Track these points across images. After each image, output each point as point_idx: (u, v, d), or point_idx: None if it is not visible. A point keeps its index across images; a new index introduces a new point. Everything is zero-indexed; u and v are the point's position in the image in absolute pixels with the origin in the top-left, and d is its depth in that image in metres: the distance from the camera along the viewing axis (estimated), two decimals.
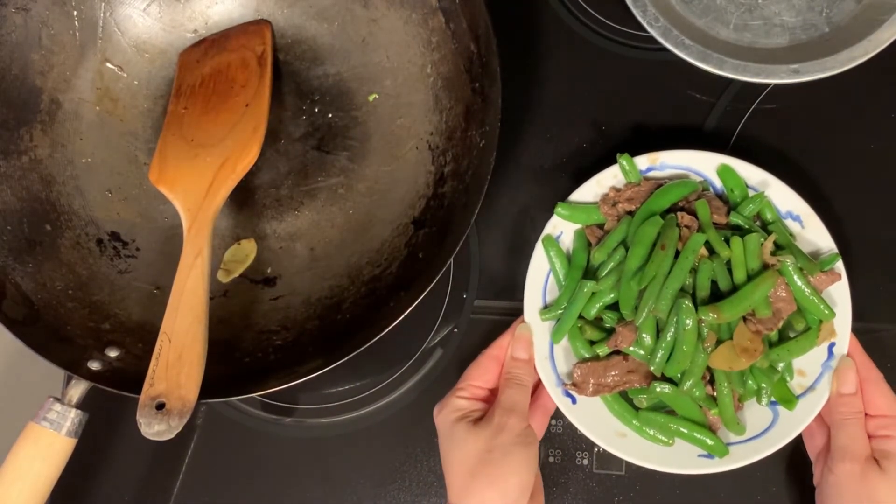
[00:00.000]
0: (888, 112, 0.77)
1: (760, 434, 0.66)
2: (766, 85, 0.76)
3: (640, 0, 0.73)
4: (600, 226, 0.71)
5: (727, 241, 0.66)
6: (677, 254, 0.65)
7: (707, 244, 0.66)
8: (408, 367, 0.77)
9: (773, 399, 0.66)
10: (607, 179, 0.71)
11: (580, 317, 0.68)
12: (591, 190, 0.71)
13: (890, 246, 0.75)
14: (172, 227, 0.77)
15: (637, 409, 0.68)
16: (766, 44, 0.76)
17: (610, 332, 0.67)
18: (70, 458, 0.65)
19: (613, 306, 0.67)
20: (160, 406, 0.60)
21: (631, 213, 0.69)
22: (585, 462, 0.72)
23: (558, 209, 0.70)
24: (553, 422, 0.73)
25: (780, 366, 0.67)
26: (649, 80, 0.79)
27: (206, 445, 0.76)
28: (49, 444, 0.64)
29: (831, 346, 0.67)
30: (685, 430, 0.66)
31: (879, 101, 0.77)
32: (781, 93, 0.77)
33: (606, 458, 0.72)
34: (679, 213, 0.67)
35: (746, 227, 0.67)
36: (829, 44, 0.73)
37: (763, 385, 0.66)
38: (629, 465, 0.72)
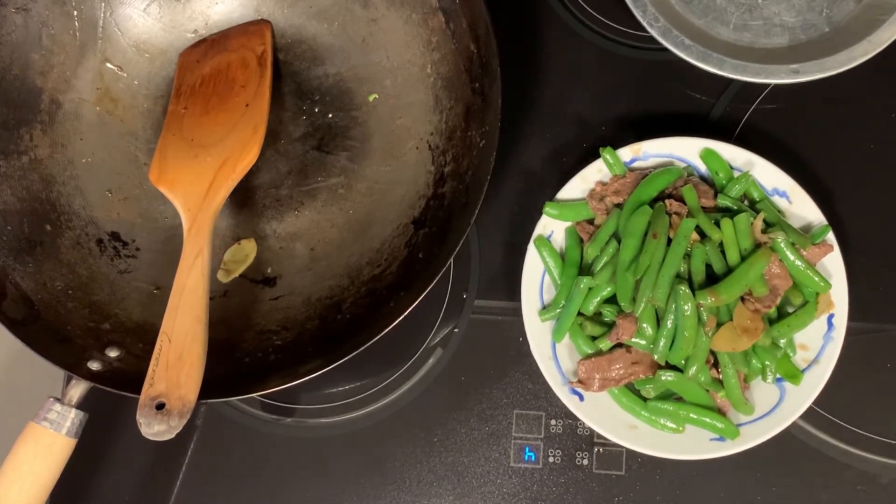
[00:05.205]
0: (888, 112, 0.77)
1: (769, 412, 0.67)
2: (766, 85, 0.76)
3: (640, 0, 0.73)
4: (590, 221, 0.71)
5: (717, 224, 0.67)
6: (669, 241, 0.66)
7: (698, 228, 0.66)
8: (408, 367, 0.76)
9: (778, 376, 0.67)
10: (592, 174, 0.71)
11: (579, 313, 0.69)
12: (578, 186, 0.72)
13: (890, 246, 0.75)
14: (172, 227, 0.77)
15: (645, 399, 0.68)
16: (766, 44, 0.76)
17: (610, 325, 0.68)
18: (70, 458, 0.65)
19: (611, 300, 0.68)
20: (160, 406, 0.60)
21: (619, 206, 0.70)
22: (585, 462, 0.72)
23: (547, 208, 0.71)
24: (553, 422, 0.73)
25: (782, 342, 0.67)
26: (649, 80, 0.80)
27: (206, 445, 0.76)
28: (49, 444, 0.64)
29: (830, 317, 0.67)
30: (695, 416, 0.67)
31: (879, 101, 0.77)
32: (781, 93, 0.77)
33: (606, 458, 0.72)
34: (667, 201, 0.68)
35: (735, 207, 0.68)
36: (829, 44, 0.73)
37: (767, 363, 0.66)
38: (629, 465, 0.72)
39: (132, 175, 0.78)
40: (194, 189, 0.70)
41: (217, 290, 0.75)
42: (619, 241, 0.68)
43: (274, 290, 0.76)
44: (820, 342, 0.67)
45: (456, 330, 0.77)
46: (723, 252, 0.66)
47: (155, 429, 0.59)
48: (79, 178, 0.76)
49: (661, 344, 0.65)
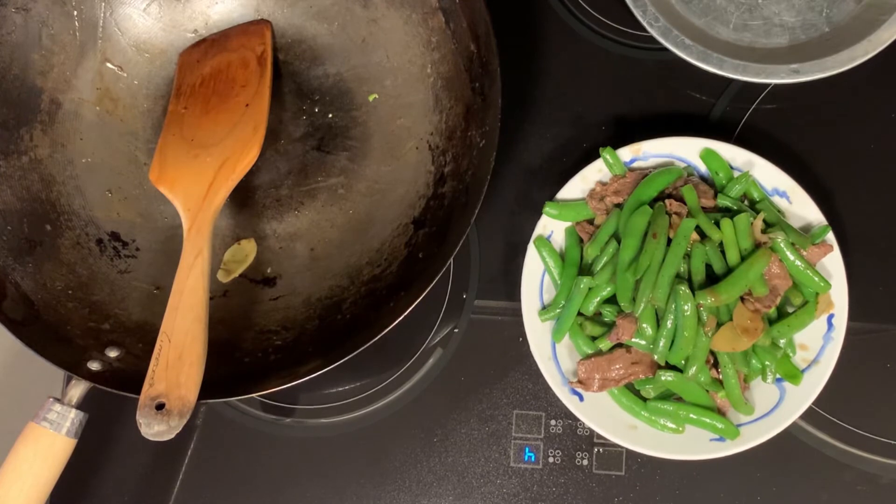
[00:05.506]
0: (888, 112, 0.77)
1: (769, 412, 0.67)
2: (766, 85, 0.76)
3: (640, 0, 0.73)
4: (590, 221, 0.71)
5: (717, 224, 0.67)
6: (669, 241, 0.66)
7: (698, 228, 0.66)
8: (408, 367, 0.76)
9: (778, 376, 0.67)
10: (592, 174, 0.72)
11: (579, 313, 0.69)
12: (578, 186, 0.72)
13: (890, 246, 0.75)
14: (172, 227, 0.77)
15: (645, 399, 0.68)
16: (766, 44, 0.76)
17: (610, 325, 0.68)
18: (70, 458, 0.65)
19: (611, 300, 0.68)
20: (160, 406, 0.60)
21: (619, 206, 0.70)
22: (585, 462, 0.72)
23: (547, 208, 0.71)
24: (553, 422, 0.73)
25: (782, 342, 0.67)
26: (649, 80, 0.80)
27: (206, 445, 0.76)
28: (49, 444, 0.64)
29: (830, 317, 0.67)
30: (695, 416, 0.67)
31: (879, 101, 0.77)
32: (781, 93, 0.77)
33: (606, 459, 0.72)
34: (667, 201, 0.68)
35: (735, 208, 0.68)
36: (829, 44, 0.73)
37: (767, 363, 0.66)
38: (629, 465, 0.72)
39: (132, 175, 0.78)
40: (194, 189, 0.70)
41: (217, 290, 0.75)
42: (619, 241, 0.68)
43: (274, 290, 0.76)
44: (820, 342, 0.67)
45: (456, 330, 0.77)
46: (723, 252, 0.66)
47: (155, 429, 0.59)
48: (79, 178, 0.76)
49: (661, 344, 0.65)
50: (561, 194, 0.72)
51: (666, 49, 0.72)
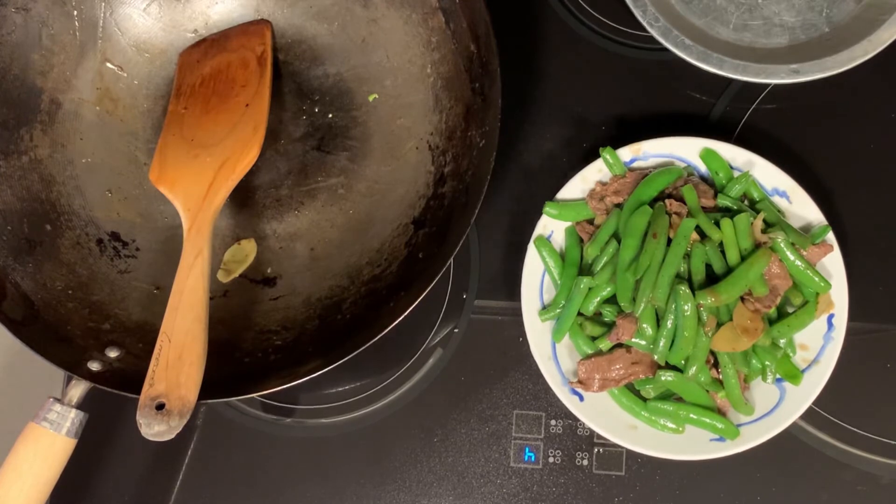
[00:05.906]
0: (888, 112, 0.77)
1: (769, 412, 0.67)
2: (766, 85, 0.76)
3: (640, 0, 0.73)
4: (590, 221, 0.71)
5: (717, 224, 0.67)
6: (669, 241, 0.66)
7: (698, 228, 0.66)
8: (408, 367, 0.76)
9: (778, 376, 0.67)
10: (592, 174, 0.72)
11: (579, 313, 0.69)
12: (578, 186, 0.72)
13: (890, 246, 0.75)
14: (172, 227, 0.77)
15: (645, 399, 0.68)
16: (766, 44, 0.76)
17: (610, 325, 0.68)
18: (70, 458, 0.65)
19: (611, 300, 0.68)
20: (160, 406, 0.60)
21: (619, 206, 0.70)
22: (585, 462, 0.72)
23: (547, 208, 0.71)
24: (553, 422, 0.73)
25: (782, 342, 0.67)
26: (649, 80, 0.80)
27: (206, 445, 0.76)
28: (49, 444, 0.64)
29: (830, 317, 0.68)
30: (695, 416, 0.67)
31: (879, 101, 0.77)
32: (781, 93, 0.77)
33: (606, 459, 0.72)
34: (667, 201, 0.68)
35: (735, 207, 0.68)
36: (829, 44, 0.73)
37: (767, 363, 0.66)
38: (629, 465, 0.72)
39: (132, 175, 0.78)
40: (194, 189, 0.70)
41: (217, 290, 0.75)
42: (619, 241, 0.68)
43: (274, 290, 0.76)
44: (820, 342, 0.67)
45: (456, 330, 0.77)
46: (723, 252, 0.66)
47: (155, 429, 0.59)
48: (79, 178, 0.76)
49: (661, 344, 0.65)
50: (561, 194, 0.72)
51: (666, 49, 0.72)
